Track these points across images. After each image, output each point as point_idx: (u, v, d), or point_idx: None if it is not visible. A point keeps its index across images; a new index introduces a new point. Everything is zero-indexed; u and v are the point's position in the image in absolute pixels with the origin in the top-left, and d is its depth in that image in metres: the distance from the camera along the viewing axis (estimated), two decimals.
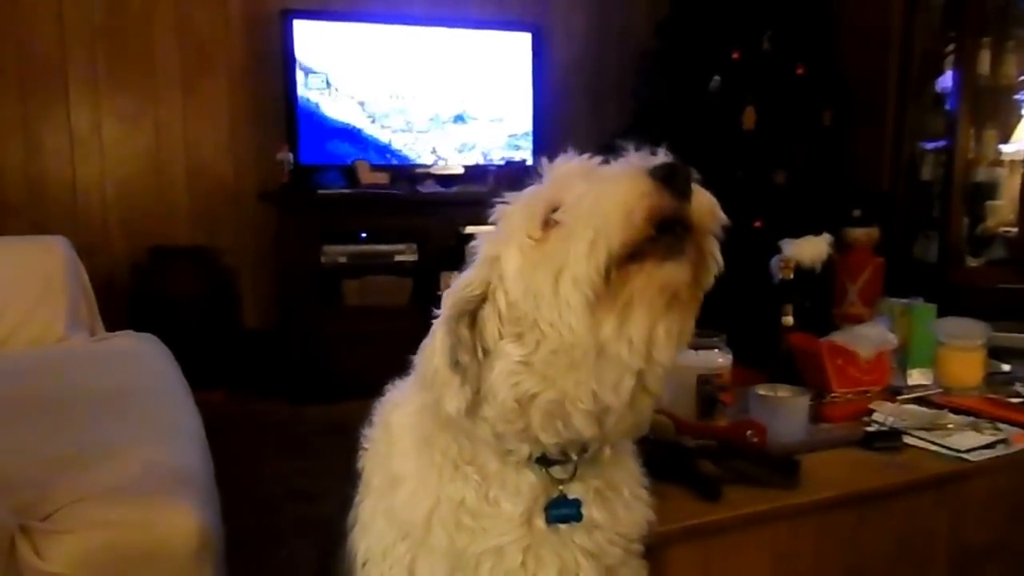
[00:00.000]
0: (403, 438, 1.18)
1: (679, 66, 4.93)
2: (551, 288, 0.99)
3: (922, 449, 1.67)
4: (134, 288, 4.46)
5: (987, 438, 1.70)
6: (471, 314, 1.07)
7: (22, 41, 4.40)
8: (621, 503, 1.17)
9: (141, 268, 4.49)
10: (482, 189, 4.52)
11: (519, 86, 5.05)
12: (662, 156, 0.99)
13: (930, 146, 4.67)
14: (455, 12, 5.12)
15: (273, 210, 4.53)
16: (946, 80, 4.51)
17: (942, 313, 2.11)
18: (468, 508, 1.10)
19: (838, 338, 1.94)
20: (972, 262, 4.45)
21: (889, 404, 1.89)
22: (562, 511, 1.11)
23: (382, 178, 4.64)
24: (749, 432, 1.59)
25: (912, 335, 2.07)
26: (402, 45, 4.80)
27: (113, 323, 3.60)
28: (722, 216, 1.02)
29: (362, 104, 4.75)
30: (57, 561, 1.56)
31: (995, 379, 2.11)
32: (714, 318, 1.94)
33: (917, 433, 1.71)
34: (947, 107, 4.50)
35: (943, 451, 1.65)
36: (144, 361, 3.00)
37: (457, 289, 1.09)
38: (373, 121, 4.78)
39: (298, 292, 4.44)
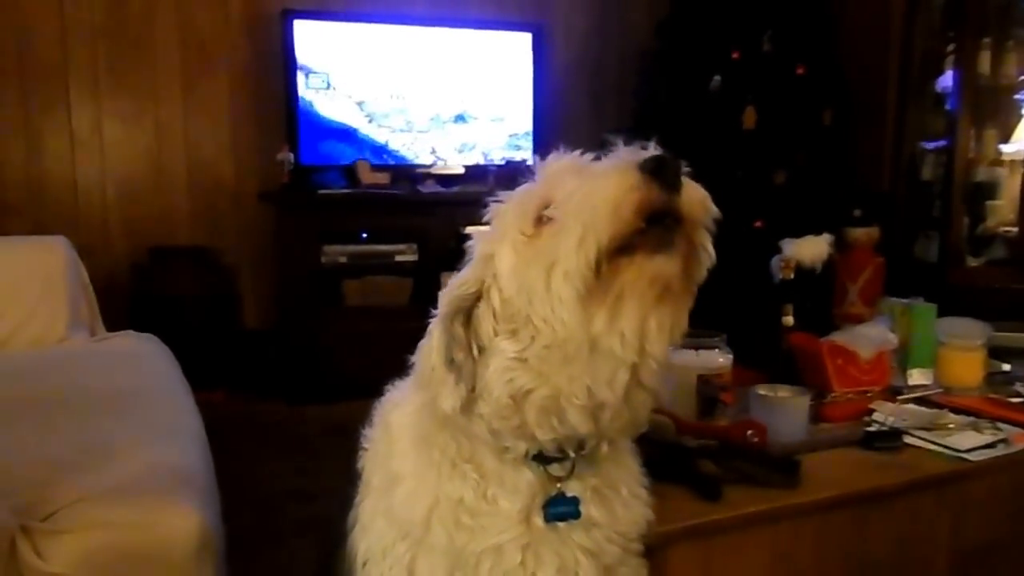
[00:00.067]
0: (402, 437, 1.19)
1: (679, 66, 4.94)
2: (543, 283, 1.00)
3: (922, 449, 1.67)
4: (134, 288, 4.46)
5: (987, 438, 1.69)
6: (466, 312, 1.08)
7: (23, 41, 4.40)
8: (620, 502, 1.17)
9: (141, 268, 4.49)
10: (482, 189, 4.52)
11: (519, 86, 5.05)
12: (651, 150, 0.99)
13: (930, 146, 4.67)
14: (456, 12, 5.12)
15: (273, 210, 4.53)
16: (946, 80, 4.51)
17: (942, 313, 2.11)
18: (467, 506, 1.10)
19: (838, 338, 1.94)
20: (972, 262, 4.45)
21: (889, 404, 1.89)
22: (560, 509, 1.11)
23: (382, 178, 4.64)
24: (750, 432, 1.59)
25: (912, 335, 2.07)
26: (403, 45, 4.80)
27: (114, 323, 3.61)
28: (713, 209, 1.02)
29: (363, 104, 4.75)
30: (58, 561, 1.57)
31: (995, 379, 2.11)
32: (714, 318, 1.95)
33: (917, 433, 1.71)
34: (947, 107, 4.50)
35: (943, 451, 1.65)
36: (145, 361, 3.00)
37: (452, 288, 1.10)
38: (373, 121, 4.78)
39: (298, 292, 4.44)
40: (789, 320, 2.07)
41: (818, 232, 2.14)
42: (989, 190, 4.46)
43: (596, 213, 0.96)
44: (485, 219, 1.12)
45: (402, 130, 4.85)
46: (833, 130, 4.97)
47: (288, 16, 4.57)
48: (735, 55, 4.78)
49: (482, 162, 4.97)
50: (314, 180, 4.56)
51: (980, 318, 2.07)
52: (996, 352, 2.17)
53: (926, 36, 4.68)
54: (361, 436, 1.26)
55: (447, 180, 4.81)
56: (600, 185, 0.98)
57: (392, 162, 4.82)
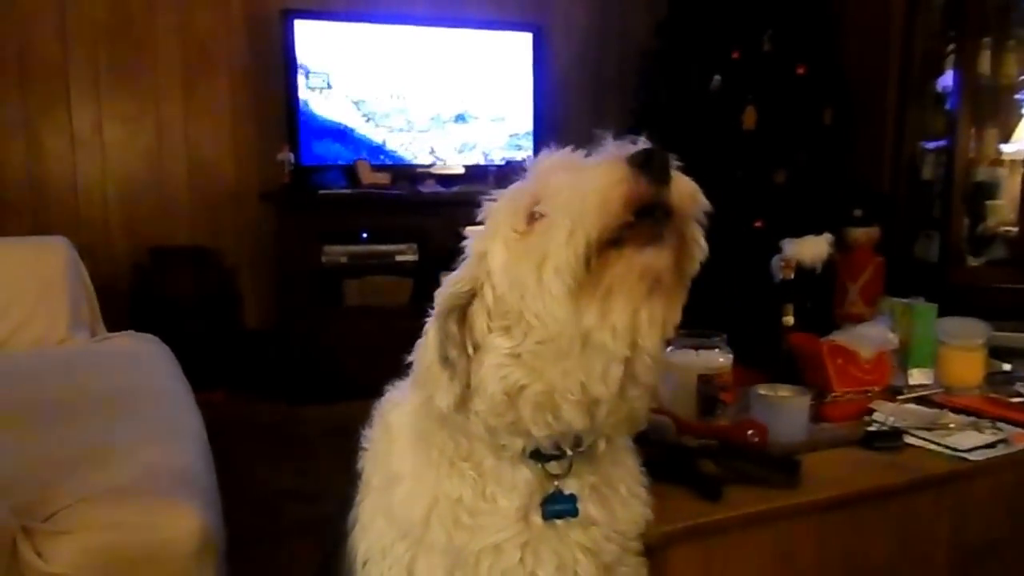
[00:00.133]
0: (401, 437, 1.19)
1: (679, 66, 4.94)
2: (535, 279, 1.00)
3: (923, 449, 1.67)
4: (135, 288, 4.47)
5: (988, 437, 1.69)
6: (460, 310, 1.08)
7: (23, 41, 4.40)
8: (618, 500, 1.17)
9: (142, 268, 4.50)
10: (483, 189, 4.50)
11: (520, 86, 5.06)
12: (640, 144, 0.99)
13: (931, 146, 4.67)
14: (456, 12, 5.12)
15: (274, 210, 4.53)
16: (947, 80, 4.51)
17: (943, 313, 2.11)
18: (465, 505, 1.11)
19: (839, 338, 1.94)
20: (973, 262, 4.45)
21: (890, 404, 1.89)
22: (558, 507, 1.11)
23: (383, 178, 4.64)
24: (750, 432, 1.59)
25: (913, 335, 2.07)
26: (403, 45, 4.80)
27: (114, 323, 3.61)
28: (704, 202, 1.02)
29: (363, 104, 4.75)
30: (59, 562, 1.57)
31: (996, 379, 2.11)
32: (715, 318, 1.95)
33: (918, 433, 1.71)
34: (948, 107, 4.50)
35: (944, 451, 1.65)
36: (145, 361, 3.00)
37: (446, 286, 1.11)
38: (373, 121, 4.78)
39: (299, 292, 4.45)
40: (789, 320, 2.07)
41: (818, 232, 2.14)
42: (989, 190, 4.46)
43: (584, 207, 0.96)
44: (479, 218, 1.12)
45: (402, 130, 4.85)
46: (833, 130, 4.97)
47: (288, 16, 4.57)
48: (735, 55, 4.78)
49: (482, 162, 4.97)
50: (314, 180, 4.56)
51: (980, 318, 2.07)
52: (996, 352, 2.17)
53: (926, 36, 4.68)
54: (361, 436, 1.26)
55: (447, 180, 4.81)
56: (588, 179, 0.98)
57: (392, 162, 4.82)
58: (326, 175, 4.58)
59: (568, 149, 1.10)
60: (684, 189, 1.00)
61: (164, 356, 3.10)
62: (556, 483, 1.12)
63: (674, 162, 0.98)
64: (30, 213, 4.47)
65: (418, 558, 1.13)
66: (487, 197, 1.12)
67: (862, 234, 2.62)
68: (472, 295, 1.08)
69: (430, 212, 4.54)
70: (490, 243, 1.08)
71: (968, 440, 1.68)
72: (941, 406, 1.89)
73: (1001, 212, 4.42)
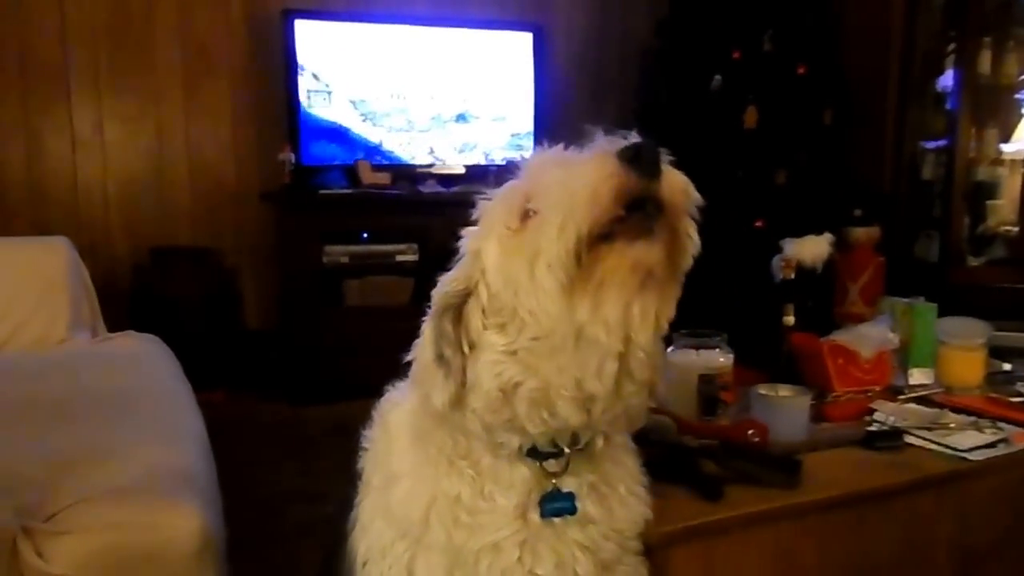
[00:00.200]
0: (400, 436, 1.19)
1: (680, 65, 4.94)
2: (527, 275, 1.00)
3: (923, 448, 1.67)
4: (136, 289, 4.47)
5: (988, 437, 1.69)
6: (456, 309, 1.09)
7: (24, 42, 4.40)
8: (617, 499, 1.17)
9: (143, 269, 4.50)
10: (484, 189, 4.50)
11: (521, 86, 5.06)
12: (630, 138, 0.99)
13: (931, 145, 4.68)
14: (456, 12, 5.12)
15: (275, 210, 4.53)
16: (947, 79, 4.51)
17: (943, 312, 2.11)
18: (464, 504, 1.11)
19: (839, 338, 1.94)
20: (973, 261, 4.45)
21: (890, 403, 1.89)
22: (556, 505, 1.11)
23: (383, 178, 4.64)
24: (751, 432, 1.59)
25: (913, 334, 2.07)
26: (404, 45, 4.80)
27: (115, 324, 3.61)
28: (696, 196, 1.02)
29: (363, 104, 4.75)
30: (59, 562, 1.57)
31: (996, 378, 2.10)
32: (715, 318, 1.95)
33: (918, 432, 1.71)
34: (948, 106, 4.51)
35: (944, 450, 1.65)
36: (146, 362, 3.00)
37: (442, 285, 1.11)
38: (374, 121, 4.78)
39: (300, 292, 4.45)
40: (790, 320, 2.07)
41: (819, 232, 2.14)
42: (989, 189, 4.47)
43: (574, 202, 0.96)
44: (473, 217, 1.13)
45: (403, 130, 4.85)
46: (834, 130, 4.97)
47: (289, 16, 4.57)
48: (736, 55, 4.78)
49: (483, 162, 4.97)
50: (315, 180, 4.56)
51: (981, 317, 2.07)
52: (997, 351, 2.17)
53: (927, 36, 4.68)
54: (361, 436, 1.26)
55: (448, 180, 4.81)
56: (578, 175, 0.98)
57: (393, 162, 4.82)
58: (327, 175, 4.59)
59: (560, 146, 1.10)
60: (675, 183, 1.00)
61: (165, 356, 3.10)
62: (554, 481, 1.12)
63: (665, 156, 0.99)
64: (31, 213, 4.47)
65: (417, 557, 1.14)
66: (482, 196, 1.13)
67: (862, 234, 2.62)
68: (467, 294, 1.09)
69: (431, 212, 4.53)
70: (484, 241, 1.08)
71: (969, 440, 1.68)
72: (941, 406, 1.89)
73: (1001, 212, 4.42)
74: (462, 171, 4.88)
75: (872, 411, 1.85)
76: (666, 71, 5.03)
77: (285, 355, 4.48)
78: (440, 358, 1.07)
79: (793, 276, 2.10)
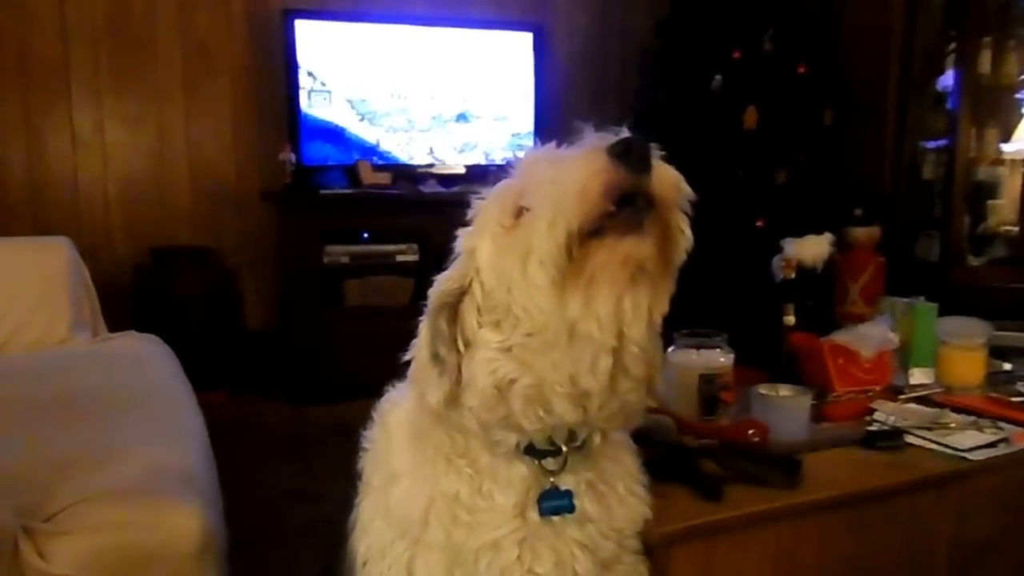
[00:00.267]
0: (400, 436, 1.20)
1: (680, 65, 4.94)
2: (520, 271, 1.01)
3: (924, 448, 1.67)
4: (136, 289, 4.47)
5: (988, 437, 1.70)
6: (451, 307, 1.09)
7: (24, 42, 4.40)
8: (616, 498, 1.17)
9: (143, 269, 4.50)
10: (484, 189, 4.50)
11: (521, 85, 5.06)
12: (620, 134, 0.99)
13: (931, 145, 4.67)
14: (457, 12, 5.12)
15: (275, 210, 4.54)
16: (947, 79, 4.51)
17: (943, 312, 2.11)
18: (463, 502, 1.11)
19: (840, 337, 1.94)
20: (973, 261, 4.45)
21: (891, 403, 1.89)
22: (554, 503, 1.12)
23: (384, 178, 4.64)
24: (751, 431, 1.59)
25: (913, 334, 2.07)
26: (404, 45, 4.80)
27: (116, 324, 3.61)
28: (687, 190, 1.02)
29: (364, 104, 4.75)
30: (60, 562, 1.57)
31: (996, 378, 2.11)
32: (716, 317, 1.95)
33: (919, 432, 1.71)
34: (948, 106, 4.50)
35: (945, 450, 1.65)
36: (147, 362, 3.00)
37: (438, 285, 1.12)
38: (374, 121, 4.78)
39: (300, 292, 4.45)
40: (790, 319, 2.07)
41: (819, 231, 2.14)
42: (990, 189, 4.47)
43: (564, 198, 0.97)
44: (468, 216, 1.13)
45: (403, 130, 4.85)
46: (834, 129, 4.97)
47: (289, 16, 4.57)
48: (736, 54, 4.78)
49: (484, 162, 4.97)
50: (316, 180, 4.56)
51: (981, 317, 2.07)
52: (997, 351, 2.17)
53: (927, 35, 4.68)
54: (362, 436, 1.26)
55: (448, 180, 4.81)
56: (568, 171, 0.99)
57: (393, 162, 4.82)
58: (327, 175, 4.59)
59: (552, 144, 1.10)
60: (666, 178, 1.00)
61: (166, 356, 3.10)
62: (552, 479, 1.12)
63: (656, 151, 0.99)
64: (31, 213, 4.47)
65: (417, 557, 1.14)
66: (477, 196, 1.13)
67: (863, 234, 2.62)
68: (462, 292, 1.10)
69: (431, 212, 4.53)
70: (478, 240, 1.09)
71: (969, 440, 1.68)
72: (942, 406, 1.89)
73: (1002, 211, 4.42)
74: (462, 171, 4.88)
75: (872, 411, 1.85)
76: (666, 71, 5.03)
77: (286, 355, 4.48)
78: (435, 357, 1.08)
79: (793, 276, 2.10)
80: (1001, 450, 1.67)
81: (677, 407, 1.69)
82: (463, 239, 1.13)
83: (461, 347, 1.08)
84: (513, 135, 5.04)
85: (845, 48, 5.03)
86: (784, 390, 1.75)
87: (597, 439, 1.13)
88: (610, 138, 0.99)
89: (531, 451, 1.11)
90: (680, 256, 1.03)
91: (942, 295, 2.19)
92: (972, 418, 1.80)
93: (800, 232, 2.15)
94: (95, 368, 2.85)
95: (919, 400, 1.95)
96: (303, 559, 2.62)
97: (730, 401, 1.75)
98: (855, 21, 5.13)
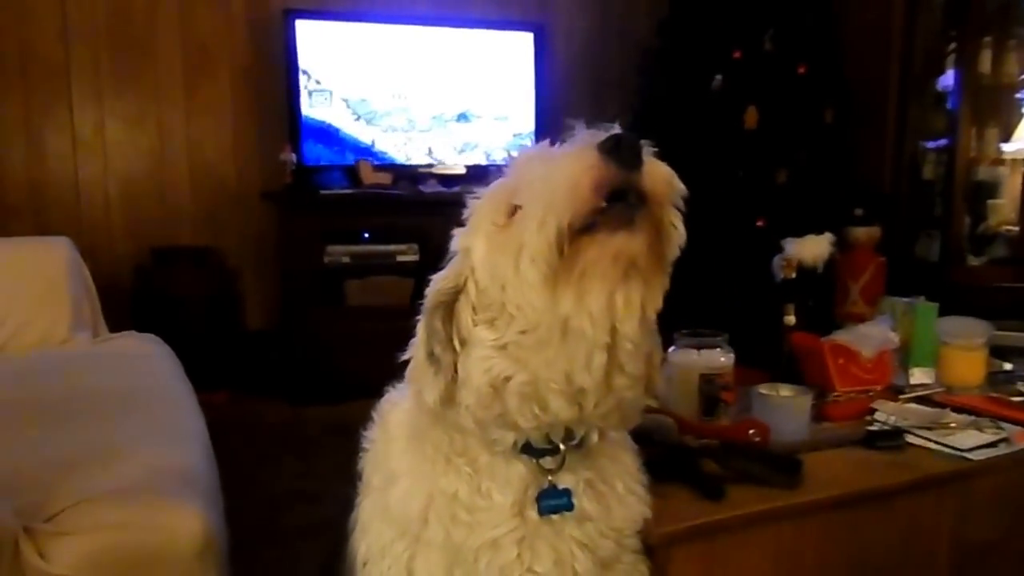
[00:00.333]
0: (399, 436, 1.20)
1: (681, 65, 4.94)
2: (513, 269, 1.01)
3: (924, 448, 1.67)
4: (137, 289, 4.47)
5: (989, 437, 1.70)
6: (446, 306, 1.10)
7: (25, 42, 4.40)
8: (615, 497, 1.17)
9: (144, 269, 4.50)
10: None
11: (522, 85, 5.06)
12: (611, 130, 1.00)
13: (931, 145, 4.68)
14: (457, 12, 5.12)
15: (276, 210, 4.54)
16: (947, 79, 4.52)
17: (944, 312, 2.11)
18: (462, 501, 1.11)
19: (840, 337, 1.94)
20: (974, 261, 4.45)
21: (891, 403, 1.89)
22: (552, 501, 1.12)
23: (384, 178, 4.65)
24: (751, 431, 1.59)
25: (914, 334, 2.07)
26: (405, 45, 4.80)
27: (116, 324, 3.61)
28: (680, 186, 1.02)
29: (365, 104, 4.75)
30: (61, 563, 1.57)
31: (997, 378, 2.11)
32: (716, 317, 1.95)
33: (919, 432, 1.71)
34: (948, 106, 4.51)
35: (945, 450, 1.65)
36: (147, 362, 3.00)
37: (434, 284, 1.13)
38: (375, 121, 4.78)
39: (301, 292, 4.45)
40: (791, 319, 2.07)
41: (820, 231, 2.14)
42: (990, 189, 4.47)
43: (554, 195, 0.97)
44: (463, 216, 1.14)
45: (404, 130, 4.85)
46: (834, 129, 4.97)
47: (290, 16, 4.57)
48: (736, 54, 4.78)
49: (484, 162, 4.97)
50: (316, 180, 4.56)
51: (981, 317, 2.07)
52: (997, 351, 2.18)
53: (927, 35, 4.68)
54: (363, 437, 1.26)
55: (449, 180, 4.81)
56: (559, 168, 0.99)
57: (394, 162, 4.82)
58: (328, 175, 4.59)
59: (546, 142, 1.10)
60: (657, 174, 1.00)
61: (166, 357, 3.10)
62: (550, 478, 1.12)
63: (647, 147, 0.99)
64: (31, 213, 4.47)
65: (417, 556, 1.14)
66: (472, 196, 1.14)
67: (863, 233, 2.62)
68: (457, 291, 1.10)
69: (432, 212, 4.53)
70: (473, 239, 1.10)
71: (969, 439, 1.68)
72: (942, 405, 1.89)
73: (1002, 211, 4.43)
74: (463, 171, 4.88)
75: (873, 411, 1.85)
76: (667, 71, 5.03)
77: (286, 355, 4.48)
78: (431, 356, 1.09)
79: (794, 276, 2.10)
80: (1002, 450, 1.67)
81: (678, 407, 1.69)
82: (458, 238, 1.13)
83: (457, 346, 1.09)
84: (514, 135, 5.04)
85: (845, 48, 5.03)
86: (785, 390, 1.75)
87: (595, 437, 1.13)
88: (601, 135, 0.99)
89: (529, 450, 1.11)
90: (673, 252, 1.04)
91: (942, 295, 2.19)
92: (972, 418, 1.80)
93: (800, 232, 2.15)
94: (95, 368, 2.85)
95: (919, 400, 1.95)
96: (304, 559, 2.62)
97: (731, 401, 1.75)
98: (855, 21, 5.13)
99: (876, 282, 2.52)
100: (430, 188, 4.70)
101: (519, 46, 5.05)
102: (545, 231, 0.97)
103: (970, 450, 1.64)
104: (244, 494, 2.81)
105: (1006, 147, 4.38)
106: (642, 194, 0.98)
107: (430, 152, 4.91)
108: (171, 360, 3.07)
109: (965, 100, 4.36)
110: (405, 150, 4.87)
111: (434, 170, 4.85)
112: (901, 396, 1.96)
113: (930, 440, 1.68)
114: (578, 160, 0.98)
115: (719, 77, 4.77)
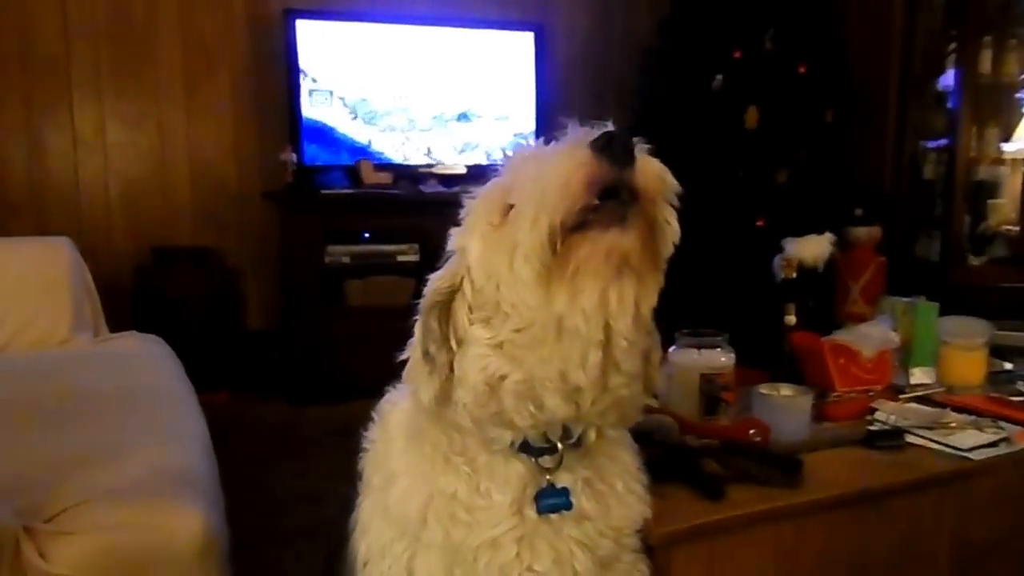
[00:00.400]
0: (399, 436, 1.20)
1: (681, 65, 4.94)
2: (507, 268, 1.01)
3: (924, 448, 1.67)
4: (138, 289, 4.46)
5: (989, 436, 1.70)
6: (442, 306, 1.10)
7: (26, 42, 4.40)
8: (614, 496, 1.17)
9: (145, 269, 4.50)
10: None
11: (522, 85, 5.06)
12: (603, 127, 1.00)
13: (932, 145, 4.68)
14: (458, 12, 5.12)
15: (277, 210, 4.54)
16: (948, 78, 4.51)
17: (944, 312, 2.11)
18: (461, 501, 1.11)
19: (840, 337, 1.95)
20: (974, 261, 4.45)
21: (891, 403, 1.89)
22: (551, 500, 1.12)
23: (385, 178, 4.64)
24: (752, 431, 1.59)
25: (914, 334, 2.07)
26: (405, 45, 4.80)
27: (117, 324, 3.61)
28: (673, 183, 1.02)
29: (365, 103, 4.75)
30: (61, 563, 1.57)
31: (997, 377, 2.11)
32: (717, 317, 1.95)
33: (919, 432, 1.71)
34: (949, 105, 4.51)
35: (945, 450, 1.65)
36: (148, 362, 3.00)
37: (430, 284, 1.13)
38: (375, 121, 4.78)
39: (301, 292, 4.45)
40: (791, 319, 2.08)
41: (820, 231, 2.14)
42: (990, 189, 4.47)
43: (547, 193, 0.97)
44: (459, 215, 1.14)
45: (404, 130, 4.85)
46: (835, 129, 4.97)
47: (290, 16, 4.57)
48: (737, 54, 4.78)
49: (485, 162, 4.97)
50: (317, 180, 4.56)
51: (982, 317, 2.07)
52: (998, 351, 2.18)
53: (927, 35, 4.68)
54: (363, 437, 1.26)
55: (449, 180, 4.80)
56: (551, 166, 0.99)
57: (395, 162, 4.82)
58: (328, 175, 4.58)
59: (540, 141, 1.10)
60: (649, 170, 1.00)
61: (167, 357, 3.11)
62: (548, 477, 1.12)
63: (639, 144, 0.99)
64: (32, 213, 4.47)
65: (417, 556, 1.14)
66: (468, 195, 1.14)
67: (863, 233, 2.63)
68: (453, 291, 1.10)
69: (432, 212, 4.52)
70: (468, 238, 1.10)
71: (970, 439, 1.68)
72: (943, 405, 1.89)
73: (1002, 211, 4.42)
74: (463, 171, 4.88)
75: (873, 410, 1.85)
76: (667, 71, 5.03)
77: (287, 355, 4.48)
78: (426, 355, 1.09)
79: (794, 275, 2.10)
80: (1002, 450, 1.67)
81: (678, 407, 1.69)
82: (454, 238, 1.14)
83: (454, 345, 1.09)
84: (515, 135, 5.04)
85: (846, 47, 5.03)
86: (785, 390, 1.75)
87: (592, 436, 1.13)
88: (593, 132, 0.99)
89: (527, 449, 1.11)
90: (667, 248, 1.03)
91: (942, 295, 2.19)
92: (973, 418, 1.80)
93: (801, 232, 2.15)
94: (96, 368, 2.85)
95: (920, 400, 1.95)
96: (305, 560, 2.62)
97: (731, 401, 1.75)
98: (856, 21, 5.13)
99: (876, 282, 2.53)
100: (431, 188, 4.70)
101: (519, 46, 5.05)
102: (538, 229, 0.97)
103: (970, 450, 1.64)
104: (245, 494, 2.81)
105: (1006, 147, 4.38)
106: (634, 191, 0.98)
107: (430, 152, 4.92)
108: (172, 360, 3.07)
109: (965, 100, 4.36)
110: (405, 150, 4.87)
111: (434, 170, 4.85)
112: (901, 396, 1.96)
113: (930, 440, 1.69)
114: (570, 158, 0.98)
115: (720, 77, 4.77)
